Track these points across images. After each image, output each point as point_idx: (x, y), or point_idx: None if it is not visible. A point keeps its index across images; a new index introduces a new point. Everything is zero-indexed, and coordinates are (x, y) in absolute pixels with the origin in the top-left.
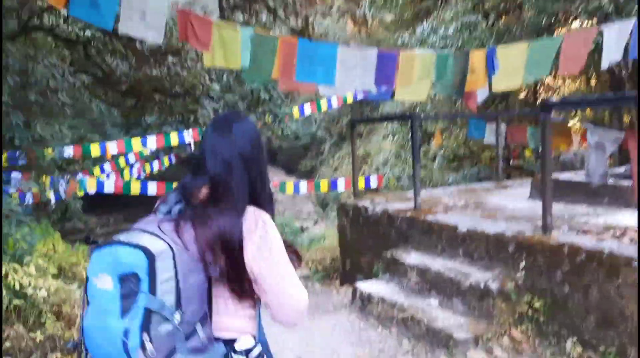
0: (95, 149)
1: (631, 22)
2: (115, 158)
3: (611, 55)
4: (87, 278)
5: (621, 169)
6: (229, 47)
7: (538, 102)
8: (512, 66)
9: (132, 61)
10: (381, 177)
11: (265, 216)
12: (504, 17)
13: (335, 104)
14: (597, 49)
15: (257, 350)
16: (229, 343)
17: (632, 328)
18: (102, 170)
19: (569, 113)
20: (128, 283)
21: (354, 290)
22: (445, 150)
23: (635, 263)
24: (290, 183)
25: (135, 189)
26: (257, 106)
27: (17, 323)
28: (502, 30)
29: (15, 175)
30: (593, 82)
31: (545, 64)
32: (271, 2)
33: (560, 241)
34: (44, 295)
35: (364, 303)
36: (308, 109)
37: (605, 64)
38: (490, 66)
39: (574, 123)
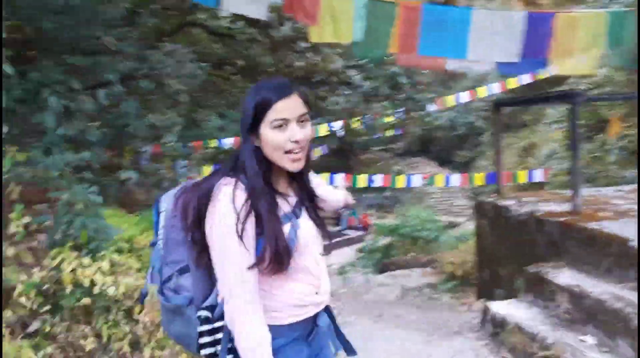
0: None
1: None
2: None
3: None
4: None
5: None
6: (339, 18)
7: None
8: None
9: (268, 49)
10: (547, 171)
11: (221, 187)
12: None
13: (496, 89)
14: None
15: (221, 309)
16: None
17: None
18: None
19: None
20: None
21: (485, 310)
22: (625, 140)
23: None
24: (440, 176)
25: None
26: (396, 92)
27: (82, 324)
28: None
29: (182, 163)
30: None
31: None
32: None
33: None
34: (114, 293)
35: (496, 329)
36: (465, 96)
37: None
38: None
39: None
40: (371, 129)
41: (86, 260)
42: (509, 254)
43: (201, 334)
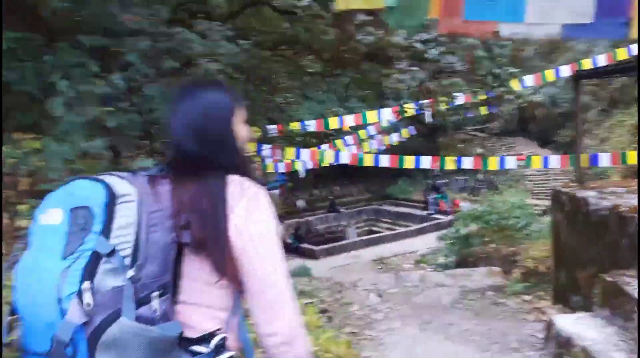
0: (333, 122)
1: None
2: (355, 129)
3: None
4: (34, 221)
5: None
6: None
7: None
8: None
9: (331, 26)
10: None
11: (256, 187)
12: None
13: (603, 61)
14: None
15: (220, 337)
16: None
17: None
18: (345, 142)
19: None
20: (79, 218)
21: (549, 325)
22: None
23: None
24: (537, 157)
25: (368, 161)
26: (476, 67)
27: None
28: None
29: (265, 147)
30: None
31: None
32: None
33: None
34: None
35: (560, 349)
36: (567, 70)
37: None
38: None
39: None
40: (460, 108)
41: None
42: (588, 255)
43: None
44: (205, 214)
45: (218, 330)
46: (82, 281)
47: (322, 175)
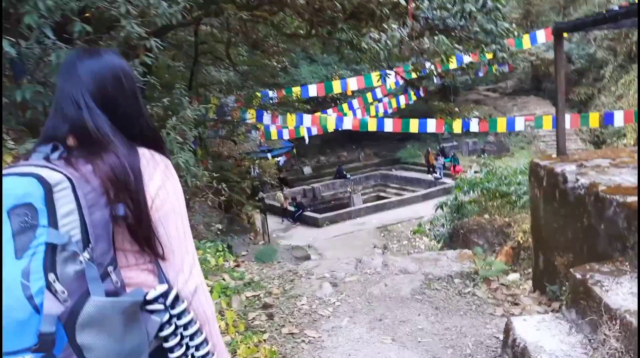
0: (336, 86)
1: None
2: (361, 93)
3: None
4: None
5: None
6: None
7: None
8: None
9: None
10: None
11: (166, 160)
12: None
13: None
14: None
15: (174, 293)
16: None
17: None
18: (351, 106)
19: None
20: (21, 216)
21: (507, 329)
22: None
23: None
24: (548, 117)
25: (372, 126)
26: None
27: None
28: None
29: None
30: None
31: None
32: None
33: None
34: None
35: None
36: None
37: None
38: None
39: None
40: (471, 68)
41: None
42: (566, 240)
43: (161, 327)
44: (126, 186)
45: (170, 289)
46: (46, 274)
47: (330, 141)
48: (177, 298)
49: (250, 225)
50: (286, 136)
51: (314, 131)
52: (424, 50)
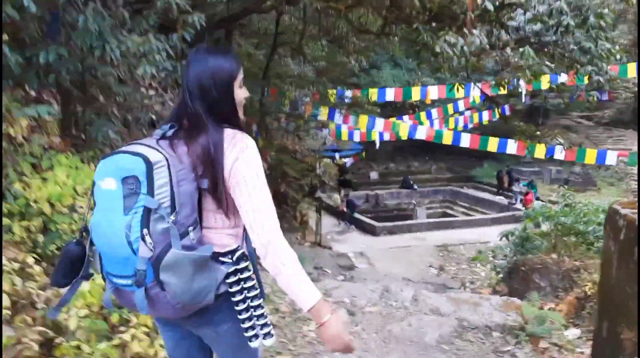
0: (416, 93)
1: None
2: (442, 103)
3: None
4: (93, 183)
5: None
6: None
7: None
8: None
9: None
10: None
11: (247, 138)
12: None
13: None
14: None
15: (239, 253)
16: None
17: None
18: (429, 116)
19: None
20: (129, 184)
21: None
22: None
23: None
24: None
25: (447, 139)
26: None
27: None
28: None
29: (336, 114)
30: None
31: None
32: None
33: None
34: None
35: None
36: None
37: None
38: None
39: None
40: (565, 91)
41: None
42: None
43: (227, 276)
44: (210, 163)
45: (238, 247)
46: (142, 229)
47: (402, 148)
48: (242, 256)
49: (302, 224)
50: (357, 138)
51: (386, 137)
52: (508, 62)
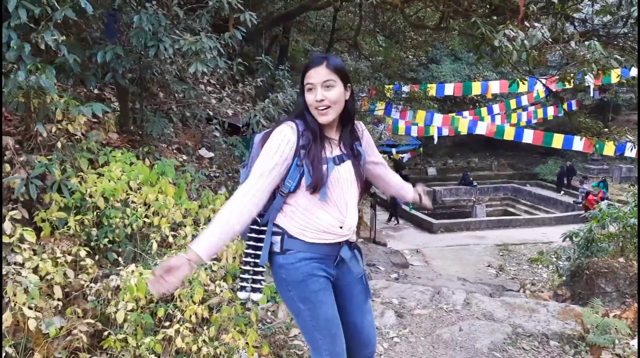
0: (476, 88)
1: None
2: (504, 98)
3: None
4: None
5: None
6: None
7: None
8: None
9: None
10: None
11: (275, 131)
12: None
13: None
14: None
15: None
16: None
17: None
18: (490, 111)
19: None
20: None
21: None
22: None
23: None
24: None
25: (509, 134)
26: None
27: None
28: None
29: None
30: None
31: None
32: None
33: None
34: None
35: None
36: None
37: None
38: None
39: None
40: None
41: None
42: None
43: (251, 230)
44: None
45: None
46: None
47: (461, 144)
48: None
49: None
50: (414, 133)
51: (445, 132)
52: (573, 55)
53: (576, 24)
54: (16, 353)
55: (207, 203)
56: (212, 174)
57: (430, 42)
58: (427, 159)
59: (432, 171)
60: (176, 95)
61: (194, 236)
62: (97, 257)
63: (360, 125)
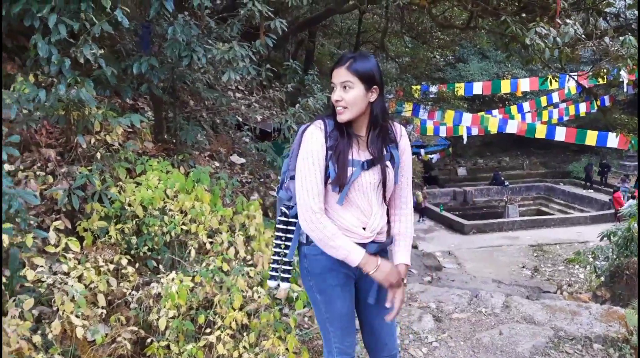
0: (505, 86)
1: None
2: (534, 96)
3: None
4: None
5: None
6: None
7: None
8: None
9: None
10: None
11: (309, 126)
12: None
13: None
14: None
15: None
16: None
17: None
18: (520, 109)
19: None
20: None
21: None
22: None
23: None
24: None
25: (540, 132)
26: None
27: None
28: None
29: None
30: None
31: None
32: None
33: None
34: None
35: None
36: None
37: None
38: None
39: None
40: None
41: None
42: None
43: (280, 221)
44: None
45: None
46: None
47: (491, 143)
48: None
49: None
50: (443, 133)
51: (474, 131)
52: (606, 51)
53: (608, 18)
54: None
55: (241, 209)
56: (244, 180)
57: (458, 42)
58: (456, 159)
59: (462, 171)
60: (206, 102)
61: (230, 243)
62: (137, 265)
63: (399, 129)
